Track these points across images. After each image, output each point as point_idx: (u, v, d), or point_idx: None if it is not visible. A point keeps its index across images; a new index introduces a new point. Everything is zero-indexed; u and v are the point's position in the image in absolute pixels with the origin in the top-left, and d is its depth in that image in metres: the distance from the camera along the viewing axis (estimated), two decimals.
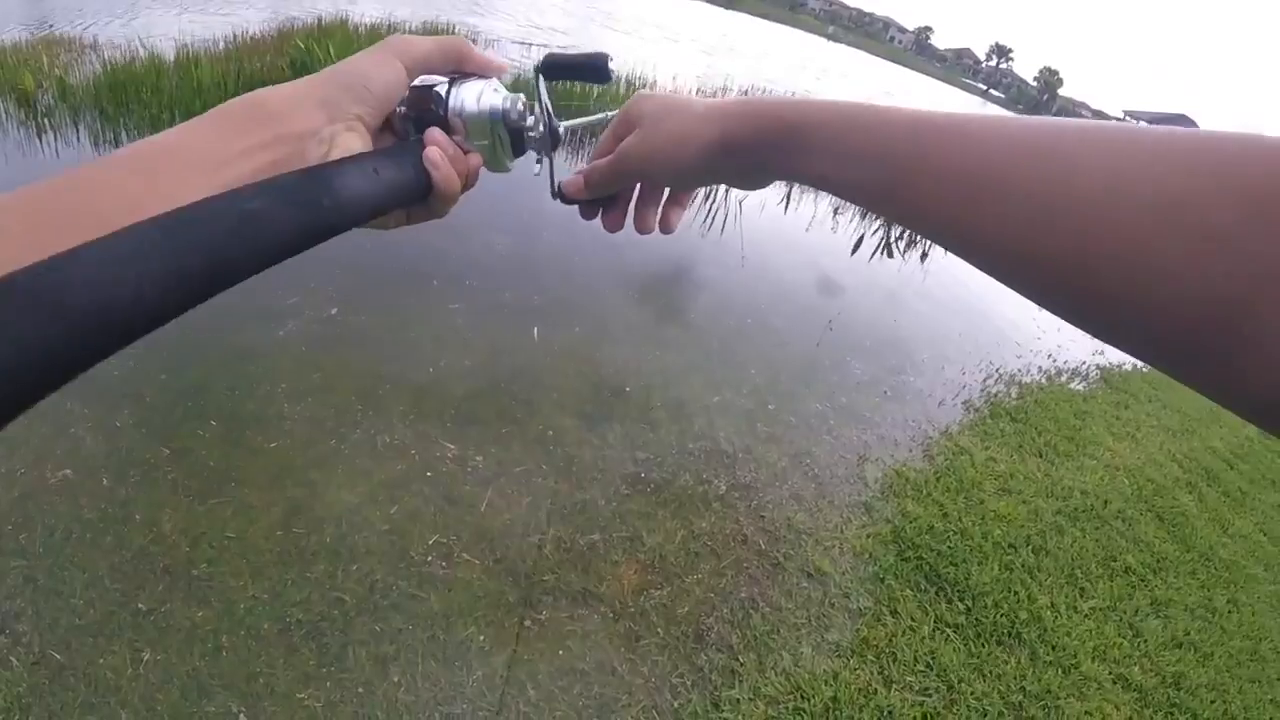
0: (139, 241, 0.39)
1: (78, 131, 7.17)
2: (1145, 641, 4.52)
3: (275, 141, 0.56)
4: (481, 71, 0.69)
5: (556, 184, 0.78)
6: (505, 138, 0.69)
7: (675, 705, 3.16)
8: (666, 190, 0.78)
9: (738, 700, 3.24)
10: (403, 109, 0.67)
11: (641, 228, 0.78)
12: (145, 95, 8.15)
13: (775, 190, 11.23)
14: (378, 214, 0.57)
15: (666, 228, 0.78)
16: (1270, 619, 5.47)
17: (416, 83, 0.66)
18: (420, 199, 0.63)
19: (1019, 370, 7.77)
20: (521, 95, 0.69)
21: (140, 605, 2.90)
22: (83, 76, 8.26)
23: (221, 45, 10.67)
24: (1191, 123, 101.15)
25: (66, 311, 0.34)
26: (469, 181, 0.68)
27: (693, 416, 5.08)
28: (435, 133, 0.64)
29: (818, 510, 4.52)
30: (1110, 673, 4.17)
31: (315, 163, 0.55)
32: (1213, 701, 4.28)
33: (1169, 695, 4.20)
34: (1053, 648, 4.15)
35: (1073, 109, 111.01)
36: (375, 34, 12.77)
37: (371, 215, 0.56)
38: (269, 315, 4.75)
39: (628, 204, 0.79)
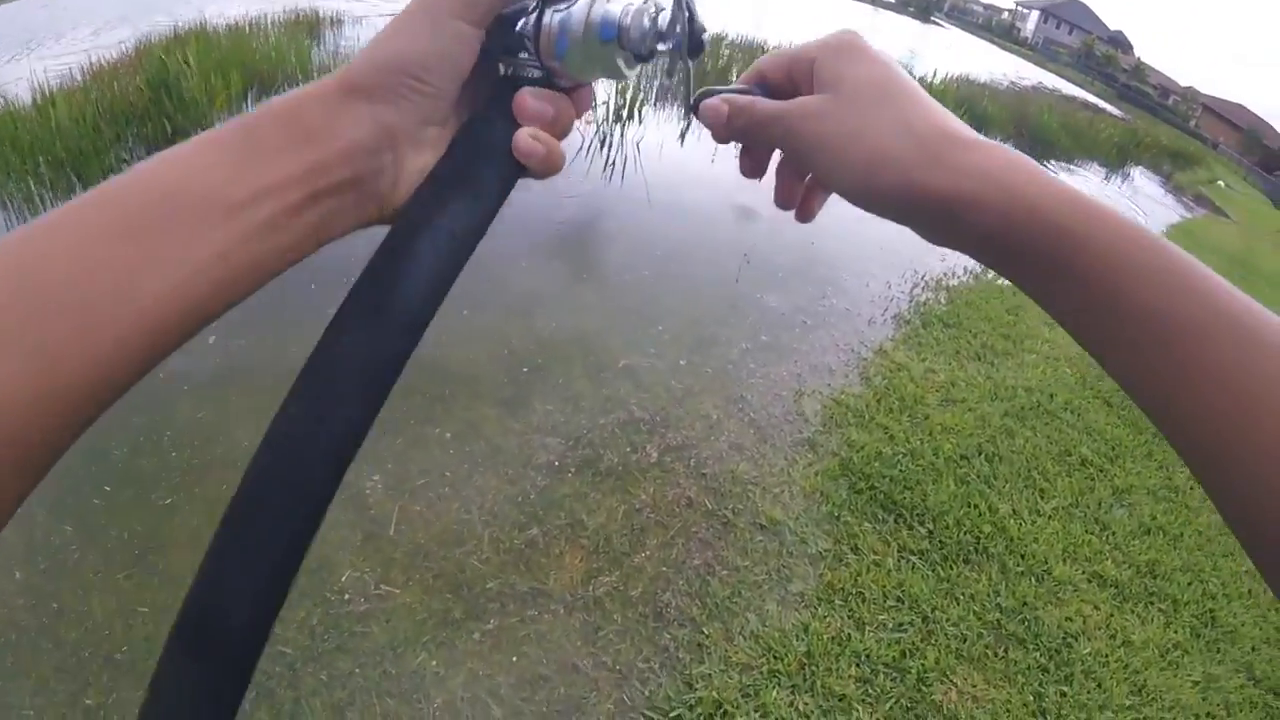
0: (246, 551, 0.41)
1: None
2: (1113, 534, 4.45)
3: (317, 170, 0.43)
4: None
5: (693, 98, 0.58)
6: (628, 56, 0.49)
7: (646, 693, 2.98)
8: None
9: (709, 675, 3.06)
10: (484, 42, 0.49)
11: (782, 200, 0.63)
12: (4, 149, 7.73)
13: (672, 127, 10.96)
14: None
15: (806, 214, 0.64)
16: None
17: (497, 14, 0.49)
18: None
19: (945, 273, 7.64)
20: None
21: (88, 701, 2.67)
22: None
23: (78, 78, 10.25)
24: (1084, 7, 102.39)
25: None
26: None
27: (615, 382, 4.80)
28: (525, 100, 0.50)
29: (760, 456, 4.32)
30: (1083, 572, 4.08)
31: (379, 201, 0.48)
32: (1189, 584, 4.23)
33: (1145, 585, 4.13)
34: (1021, 556, 4.04)
35: (964, 4, 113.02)
36: (236, 34, 12.27)
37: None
38: None
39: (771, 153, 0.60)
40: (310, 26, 14.10)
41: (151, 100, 8.98)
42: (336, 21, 15.28)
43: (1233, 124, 76.27)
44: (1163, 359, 0.38)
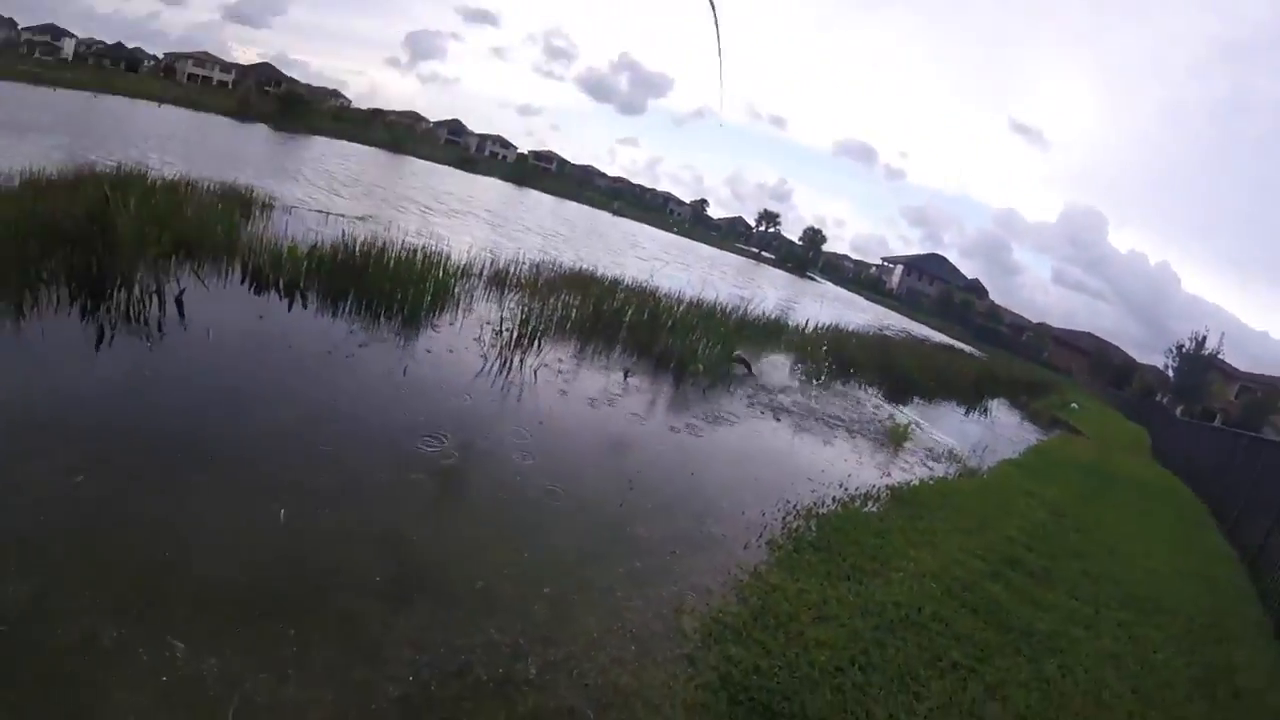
0: None
1: None
2: None
3: None
4: None
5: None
6: None
7: None
8: None
9: None
10: None
11: None
12: None
13: (569, 361, 11.52)
14: None
15: None
16: (1104, 670, 5.83)
17: None
18: None
19: (815, 503, 8.12)
20: None
21: None
22: None
23: (16, 182, 10.66)
24: (944, 261, 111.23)
25: None
26: None
27: (495, 594, 4.91)
28: None
29: (642, 670, 4.48)
30: None
31: None
32: None
33: None
34: None
35: (837, 261, 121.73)
36: (173, 189, 12.86)
37: None
38: None
39: None
40: (243, 204, 14.66)
41: (84, 230, 9.20)
42: (268, 205, 15.85)
43: (1082, 350, 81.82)
44: None
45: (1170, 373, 70.40)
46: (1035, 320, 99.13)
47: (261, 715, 3.47)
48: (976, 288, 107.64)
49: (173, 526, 4.72)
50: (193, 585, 4.23)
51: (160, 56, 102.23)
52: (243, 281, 10.56)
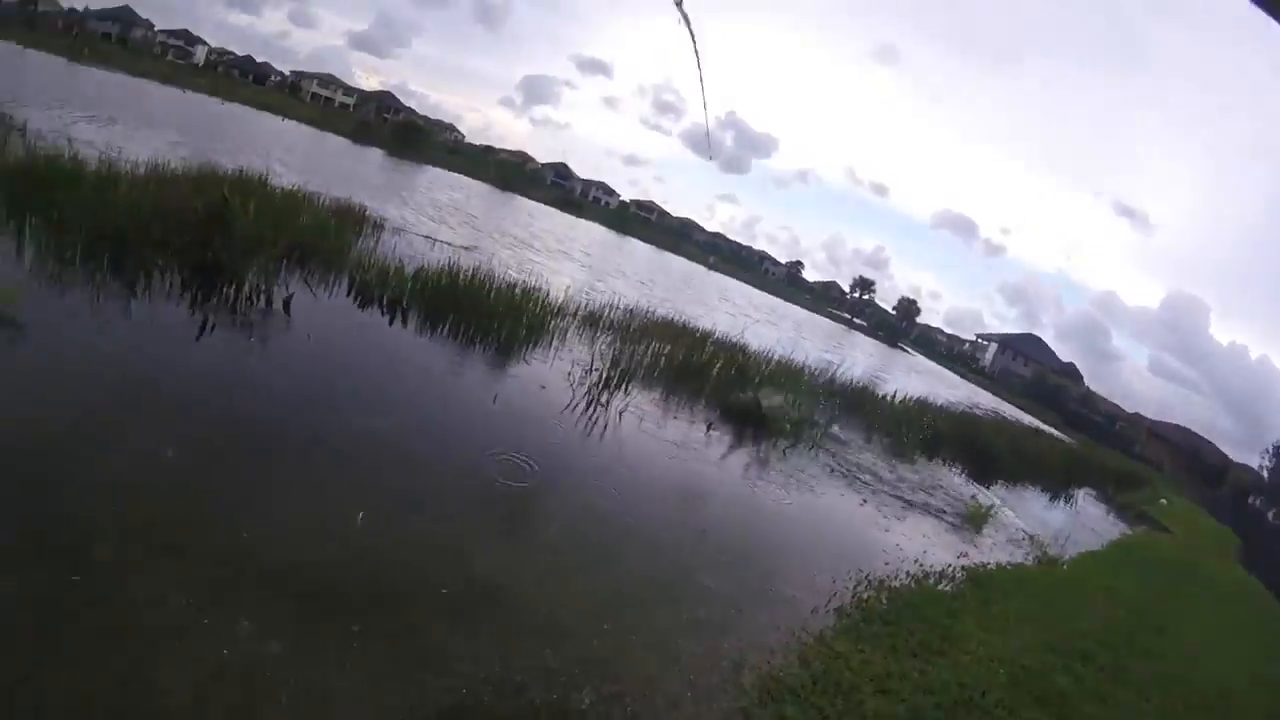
0: None
1: None
2: None
3: None
4: None
5: None
6: None
7: None
8: None
9: None
10: None
11: None
12: (59, 197, 8.44)
13: (654, 407, 11.67)
14: None
15: None
16: None
17: None
18: None
19: (888, 576, 7.98)
20: None
21: None
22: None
23: (142, 170, 11.06)
24: (1039, 341, 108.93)
25: None
26: None
27: (558, 622, 4.97)
28: None
29: (696, 718, 4.45)
30: None
31: None
32: None
33: None
34: None
35: (930, 334, 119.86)
36: (291, 198, 13.31)
37: None
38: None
39: None
40: (355, 220, 15.10)
41: (201, 225, 9.61)
42: (379, 225, 16.34)
43: (1175, 445, 79.11)
44: None
45: (1265, 473, 67.62)
46: (1130, 410, 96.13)
47: (316, 700, 3.60)
48: (1071, 371, 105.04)
49: (252, 512, 4.95)
50: (265, 570, 4.40)
51: (287, 74, 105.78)
52: (349, 294, 10.95)
